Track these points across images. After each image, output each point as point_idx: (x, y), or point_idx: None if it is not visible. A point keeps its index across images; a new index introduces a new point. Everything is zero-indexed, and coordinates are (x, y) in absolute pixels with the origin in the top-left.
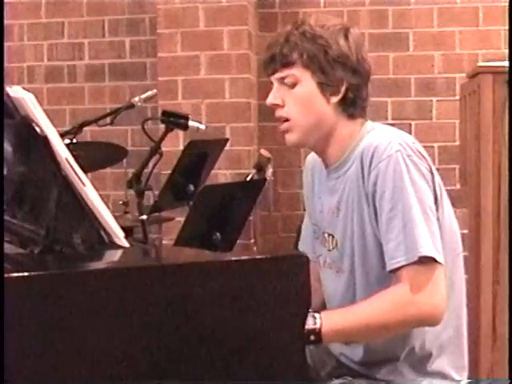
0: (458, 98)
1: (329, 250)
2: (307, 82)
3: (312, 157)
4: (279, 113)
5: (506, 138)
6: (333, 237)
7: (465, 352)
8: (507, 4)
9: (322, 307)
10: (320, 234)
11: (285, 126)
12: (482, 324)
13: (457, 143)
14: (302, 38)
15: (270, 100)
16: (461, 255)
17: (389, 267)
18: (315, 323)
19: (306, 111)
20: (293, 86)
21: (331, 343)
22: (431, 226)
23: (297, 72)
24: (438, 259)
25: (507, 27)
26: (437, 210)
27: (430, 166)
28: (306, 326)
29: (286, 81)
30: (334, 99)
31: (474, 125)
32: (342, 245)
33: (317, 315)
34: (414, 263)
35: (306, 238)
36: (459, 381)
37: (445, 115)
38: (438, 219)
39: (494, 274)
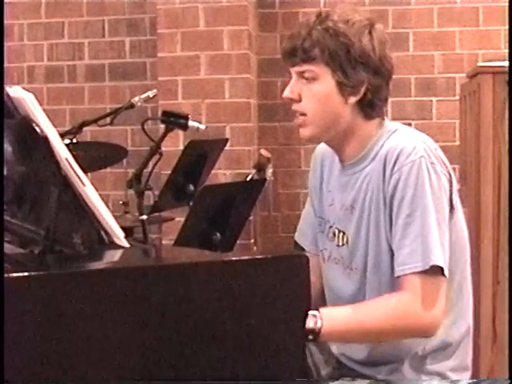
0: (457, 98)
1: (337, 246)
2: (326, 80)
3: (322, 148)
4: (295, 107)
5: (506, 137)
6: (344, 233)
7: (469, 355)
8: (507, 4)
9: (319, 301)
10: (326, 228)
11: (300, 120)
12: (482, 324)
13: (457, 143)
14: (324, 34)
15: (287, 94)
16: (468, 261)
17: (398, 272)
18: (316, 323)
19: (323, 109)
20: (311, 81)
21: (332, 343)
22: (443, 238)
23: (317, 68)
24: (445, 272)
25: (507, 27)
26: (451, 217)
27: (449, 174)
28: (306, 326)
29: (305, 75)
30: (353, 99)
31: (474, 125)
32: (353, 242)
33: (317, 314)
34: (424, 272)
35: (305, 229)
36: (459, 381)
37: (445, 115)
38: (450, 227)
39: (494, 273)
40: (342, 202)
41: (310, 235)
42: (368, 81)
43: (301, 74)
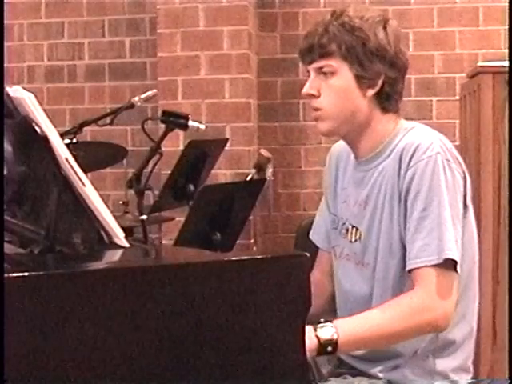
0: (457, 97)
1: (350, 242)
2: (344, 74)
3: (337, 147)
4: (314, 103)
5: (506, 137)
6: (357, 229)
7: (470, 358)
8: (507, 4)
9: (330, 300)
10: (340, 225)
11: (317, 114)
12: (482, 324)
13: (457, 143)
14: (340, 30)
15: (306, 90)
16: (477, 264)
17: (411, 266)
18: (332, 334)
19: (342, 103)
20: (330, 76)
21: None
22: (457, 234)
23: (334, 63)
24: (457, 268)
25: (507, 27)
26: (464, 217)
27: (464, 173)
28: (323, 337)
29: (323, 71)
30: (371, 92)
31: (474, 125)
32: (365, 238)
33: (332, 326)
34: (437, 266)
35: (319, 227)
36: (458, 381)
37: (445, 115)
38: (463, 226)
39: (494, 274)
40: (355, 197)
41: (324, 233)
42: (385, 73)
43: (319, 70)
